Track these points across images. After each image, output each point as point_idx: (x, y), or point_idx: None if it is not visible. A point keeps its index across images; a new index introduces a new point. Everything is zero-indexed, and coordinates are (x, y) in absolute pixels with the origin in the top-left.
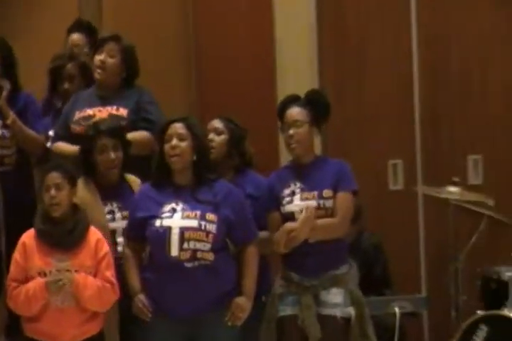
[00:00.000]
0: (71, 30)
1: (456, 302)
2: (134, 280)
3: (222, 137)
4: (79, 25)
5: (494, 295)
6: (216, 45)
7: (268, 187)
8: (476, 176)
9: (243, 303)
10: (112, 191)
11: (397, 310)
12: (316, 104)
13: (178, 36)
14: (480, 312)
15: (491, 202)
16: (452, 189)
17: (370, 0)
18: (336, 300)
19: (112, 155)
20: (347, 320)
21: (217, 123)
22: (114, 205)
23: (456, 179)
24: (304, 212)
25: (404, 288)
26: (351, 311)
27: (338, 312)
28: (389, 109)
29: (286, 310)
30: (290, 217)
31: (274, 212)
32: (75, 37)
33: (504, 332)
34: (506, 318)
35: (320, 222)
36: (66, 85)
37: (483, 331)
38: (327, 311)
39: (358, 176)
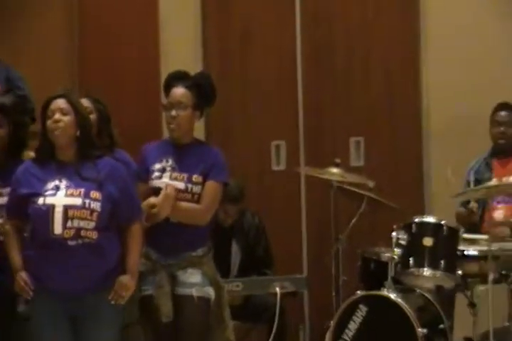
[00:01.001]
0: None
1: (337, 282)
2: (16, 257)
3: (92, 117)
4: None
5: (373, 276)
6: (100, 24)
7: (141, 157)
8: (357, 158)
9: (127, 282)
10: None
11: (277, 289)
12: (203, 89)
13: (61, 8)
14: (360, 293)
15: (371, 184)
16: (334, 170)
17: None
18: (193, 280)
19: None
20: (204, 299)
21: (86, 103)
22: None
23: (337, 160)
24: (163, 189)
25: (286, 268)
26: (210, 292)
27: (194, 292)
28: (272, 91)
29: (149, 290)
30: (156, 192)
31: (143, 184)
32: None
33: (383, 311)
34: (385, 298)
35: (184, 204)
36: None
37: (362, 311)
38: (183, 291)
39: (241, 157)
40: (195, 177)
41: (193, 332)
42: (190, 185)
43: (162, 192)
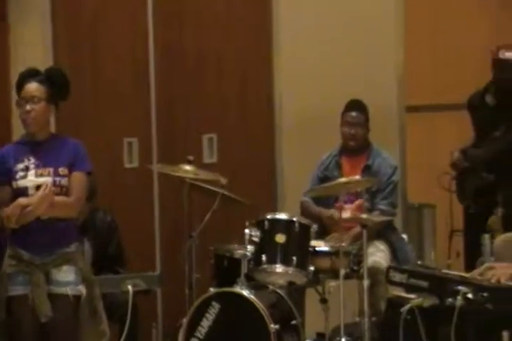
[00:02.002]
0: None
1: (190, 279)
2: None
3: None
4: None
5: (227, 273)
6: None
7: (0, 160)
8: (210, 155)
9: None
10: None
11: (130, 287)
12: (56, 82)
13: None
14: (212, 290)
15: (224, 181)
16: (187, 167)
17: None
18: (67, 279)
19: None
20: (78, 297)
21: None
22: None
23: (190, 158)
24: (42, 189)
25: (139, 266)
26: (82, 289)
27: (69, 291)
28: (125, 88)
29: (18, 290)
30: (23, 192)
31: (5, 186)
32: None
33: (236, 308)
34: (237, 295)
35: (57, 199)
36: None
37: (215, 308)
38: (58, 289)
39: (93, 154)
40: (62, 170)
41: (68, 330)
42: (57, 179)
43: (40, 192)
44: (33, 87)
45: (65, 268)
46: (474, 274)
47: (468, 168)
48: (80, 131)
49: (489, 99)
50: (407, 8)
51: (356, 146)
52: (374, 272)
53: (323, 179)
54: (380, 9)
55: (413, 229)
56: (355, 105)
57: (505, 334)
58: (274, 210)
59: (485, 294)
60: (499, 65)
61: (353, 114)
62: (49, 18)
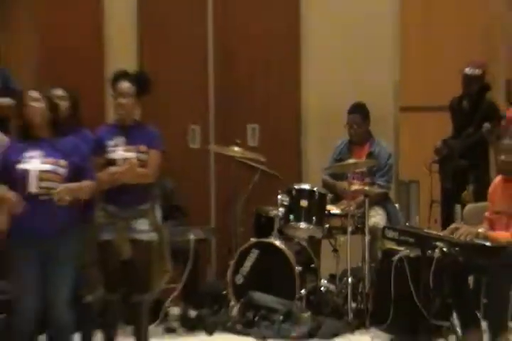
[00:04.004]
0: None
1: (236, 232)
2: None
3: (64, 103)
4: None
5: (264, 228)
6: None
7: (96, 137)
8: (253, 140)
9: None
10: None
11: (192, 237)
12: (142, 83)
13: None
14: (253, 240)
15: (262, 159)
16: (235, 148)
17: None
18: (142, 228)
19: None
20: (150, 242)
21: (60, 92)
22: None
23: (238, 141)
24: (128, 162)
25: (199, 220)
26: (153, 236)
27: (143, 237)
28: (190, 87)
29: (106, 236)
30: (112, 162)
31: (100, 158)
32: None
33: (270, 254)
34: (271, 244)
35: (139, 170)
36: None
37: (254, 253)
38: (136, 236)
39: (166, 136)
40: (142, 148)
41: (142, 267)
42: (139, 154)
43: (126, 165)
44: (125, 85)
45: (140, 220)
46: (446, 233)
47: (448, 154)
48: (157, 119)
49: (465, 103)
50: (403, 27)
51: (357, 140)
52: (373, 230)
53: (338, 160)
54: (380, 28)
55: (403, 200)
56: (354, 108)
57: (470, 278)
58: (300, 182)
59: (457, 248)
60: (465, 79)
61: (351, 115)
62: (136, 24)
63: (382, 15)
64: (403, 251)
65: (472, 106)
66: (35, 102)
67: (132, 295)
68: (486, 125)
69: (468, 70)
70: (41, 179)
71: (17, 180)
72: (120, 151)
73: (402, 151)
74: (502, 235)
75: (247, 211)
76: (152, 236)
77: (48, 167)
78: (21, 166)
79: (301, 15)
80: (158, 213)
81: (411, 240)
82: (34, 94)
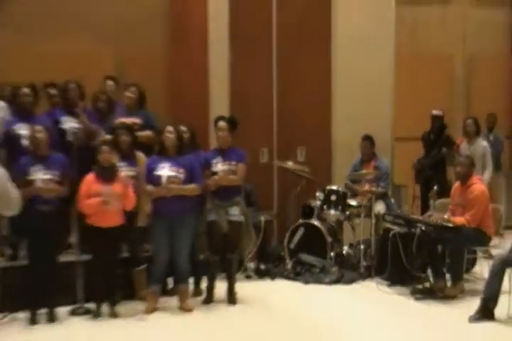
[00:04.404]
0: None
1: (290, 216)
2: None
3: (187, 135)
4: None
5: (307, 214)
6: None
7: (205, 157)
8: (301, 157)
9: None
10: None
11: (262, 218)
12: (233, 123)
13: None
14: (300, 221)
15: (307, 170)
16: (290, 163)
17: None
18: (235, 213)
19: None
20: (240, 222)
21: (183, 127)
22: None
23: (291, 158)
24: (222, 173)
25: (265, 207)
26: (242, 218)
27: (236, 218)
28: (259, 123)
29: (212, 217)
30: (215, 173)
31: (208, 170)
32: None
33: (311, 230)
34: (313, 224)
35: (231, 177)
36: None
37: (301, 230)
38: (231, 218)
39: (248, 154)
40: (233, 163)
41: (237, 237)
42: (232, 167)
43: (222, 174)
44: (222, 124)
45: (234, 207)
46: (424, 218)
47: (420, 168)
48: (241, 144)
49: (431, 136)
50: (397, 77)
51: (367, 158)
52: (377, 215)
53: (355, 171)
54: (381, 77)
55: (396, 196)
56: (365, 137)
57: (439, 247)
58: (330, 184)
59: (430, 228)
60: (432, 117)
61: (363, 142)
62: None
63: (381, 73)
64: (396, 229)
65: (436, 137)
66: (170, 134)
67: (227, 255)
68: (444, 150)
69: (434, 112)
70: (168, 181)
71: (154, 181)
72: (220, 166)
73: (395, 166)
74: (459, 220)
75: (297, 202)
76: (241, 218)
77: (173, 173)
78: (157, 172)
79: (332, 79)
80: (243, 203)
81: (401, 222)
82: (169, 128)
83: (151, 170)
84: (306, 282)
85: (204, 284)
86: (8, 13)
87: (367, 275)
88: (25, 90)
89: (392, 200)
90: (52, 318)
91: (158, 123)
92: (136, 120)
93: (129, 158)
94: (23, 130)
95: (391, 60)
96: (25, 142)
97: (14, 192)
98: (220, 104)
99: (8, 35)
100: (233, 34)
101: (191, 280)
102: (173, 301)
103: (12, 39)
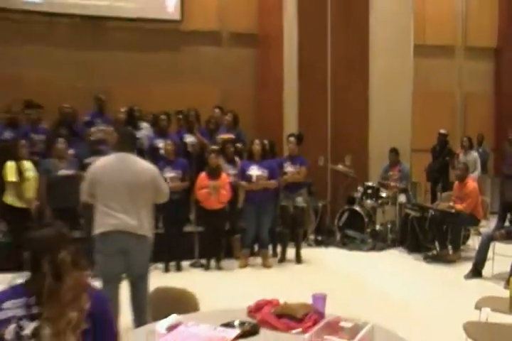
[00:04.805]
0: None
1: (339, 203)
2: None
3: (268, 146)
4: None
5: (351, 202)
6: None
7: (280, 162)
8: (348, 161)
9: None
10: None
11: (320, 204)
12: (300, 138)
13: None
14: (345, 207)
15: (352, 171)
16: (340, 166)
17: None
18: (300, 200)
19: None
20: (303, 207)
21: (265, 141)
22: None
23: (340, 163)
24: (291, 173)
25: (322, 197)
26: (304, 204)
27: (300, 204)
28: (316, 136)
29: (283, 203)
30: (285, 173)
31: (281, 171)
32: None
33: (354, 213)
34: (354, 209)
35: (296, 176)
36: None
37: (346, 212)
38: (297, 204)
39: (309, 161)
40: (298, 167)
41: (301, 218)
42: (297, 169)
43: (290, 174)
44: (292, 139)
45: (299, 197)
46: (434, 205)
47: (430, 171)
48: (305, 152)
49: (437, 148)
50: (414, 107)
51: (393, 163)
52: (400, 204)
53: (385, 172)
54: (403, 106)
55: (413, 190)
56: (392, 150)
57: (444, 226)
58: (368, 181)
59: (438, 213)
60: (439, 135)
61: (391, 153)
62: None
63: (403, 103)
64: (413, 213)
65: (441, 149)
66: (257, 145)
67: (296, 229)
68: (447, 158)
69: (441, 131)
70: (257, 178)
71: (246, 178)
72: (289, 168)
73: (412, 169)
74: (458, 207)
75: (344, 194)
76: (304, 204)
77: (259, 173)
78: (248, 172)
79: (369, 106)
80: (306, 194)
81: (417, 208)
82: (256, 141)
83: (243, 170)
84: (350, 249)
85: (279, 249)
86: (164, 66)
87: (392, 245)
88: (162, 116)
89: (411, 193)
90: (179, 268)
91: (247, 138)
92: (231, 135)
93: (232, 162)
94: (160, 143)
95: (410, 94)
96: (161, 151)
97: (165, 186)
98: (290, 124)
99: (157, 80)
100: (300, 76)
101: (270, 246)
102: (258, 260)
103: (156, 83)
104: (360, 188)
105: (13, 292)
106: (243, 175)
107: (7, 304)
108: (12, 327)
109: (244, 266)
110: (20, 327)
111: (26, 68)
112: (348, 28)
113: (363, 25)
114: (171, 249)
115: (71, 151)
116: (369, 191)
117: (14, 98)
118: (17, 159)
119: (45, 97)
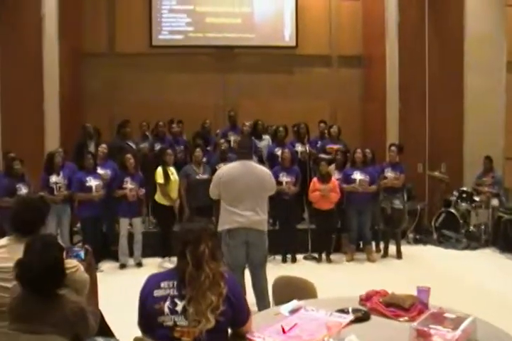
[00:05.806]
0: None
1: (436, 205)
2: None
3: (370, 154)
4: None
5: (447, 204)
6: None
7: (380, 169)
8: (444, 169)
9: None
10: None
11: (419, 207)
12: (401, 148)
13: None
14: (442, 209)
15: (447, 177)
16: (436, 173)
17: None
18: (397, 203)
19: None
20: (402, 209)
21: (367, 150)
22: None
23: (437, 170)
24: (389, 178)
25: (421, 201)
26: (402, 207)
27: (398, 206)
28: (417, 141)
29: (382, 204)
30: (385, 178)
31: (381, 175)
32: None
33: (450, 216)
34: (450, 211)
35: (394, 181)
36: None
37: (443, 213)
38: (395, 206)
39: (410, 165)
40: (397, 173)
41: (398, 218)
42: (396, 176)
43: (388, 179)
44: (394, 148)
45: (397, 200)
46: None
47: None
48: (403, 160)
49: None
50: (506, 119)
51: (487, 170)
52: (493, 207)
53: (479, 178)
54: (495, 118)
55: (505, 195)
56: (486, 158)
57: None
58: (462, 186)
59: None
60: None
61: (486, 160)
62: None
63: (495, 115)
64: (506, 217)
65: None
66: (359, 154)
67: (393, 228)
68: None
69: None
70: (360, 183)
71: (350, 182)
72: (388, 174)
73: (505, 175)
74: None
75: (441, 197)
76: (401, 206)
77: (362, 177)
78: (352, 177)
79: (464, 118)
80: (403, 197)
81: (510, 212)
82: (358, 150)
83: (347, 175)
84: (446, 247)
85: (381, 246)
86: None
87: (485, 245)
88: (281, 129)
89: (503, 198)
90: (294, 260)
91: (353, 146)
92: (339, 146)
93: (342, 168)
94: (278, 152)
95: (503, 108)
96: (279, 159)
97: (274, 184)
98: (392, 134)
99: (276, 97)
100: (401, 93)
101: (373, 243)
102: (363, 255)
103: (275, 99)
104: (455, 192)
105: (168, 274)
106: (347, 179)
107: (164, 284)
108: (168, 303)
109: (351, 259)
110: (175, 304)
111: (173, 92)
112: (444, 48)
113: (458, 46)
114: (287, 243)
115: (204, 159)
116: (464, 195)
117: (162, 117)
118: (164, 165)
119: (187, 114)
